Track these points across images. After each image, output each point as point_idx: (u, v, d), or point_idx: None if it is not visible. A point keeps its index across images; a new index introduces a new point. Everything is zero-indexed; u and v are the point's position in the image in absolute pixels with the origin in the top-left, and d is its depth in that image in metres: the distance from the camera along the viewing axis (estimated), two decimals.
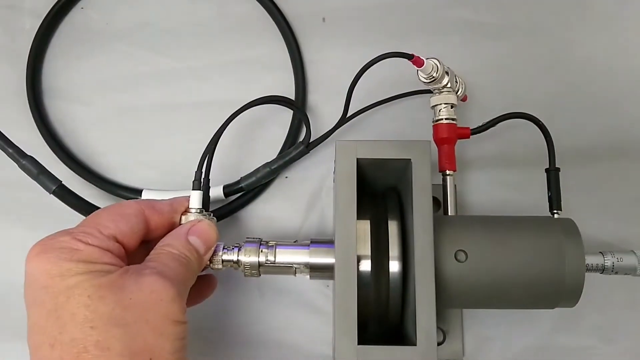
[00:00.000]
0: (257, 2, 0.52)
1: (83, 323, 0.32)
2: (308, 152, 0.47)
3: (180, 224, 0.41)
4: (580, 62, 0.51)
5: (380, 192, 0.43)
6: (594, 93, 0.51)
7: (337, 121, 0.46)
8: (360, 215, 0.39)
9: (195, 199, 0.41)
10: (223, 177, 0.49)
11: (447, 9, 0.53)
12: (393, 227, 0.40)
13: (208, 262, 0.40)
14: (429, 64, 0.41)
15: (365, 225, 0.40)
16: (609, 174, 0.49)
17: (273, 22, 0.52)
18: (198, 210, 0.41)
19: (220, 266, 0.41)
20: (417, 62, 0.40)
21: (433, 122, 0.44)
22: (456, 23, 0.52)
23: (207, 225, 0.40)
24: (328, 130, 0.46)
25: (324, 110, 0.51)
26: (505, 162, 0.49)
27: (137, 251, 0.38)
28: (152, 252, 0.38)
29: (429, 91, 0.44)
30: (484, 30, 0.52)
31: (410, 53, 0.39)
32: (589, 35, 0.52)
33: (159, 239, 0.39)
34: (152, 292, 0.34)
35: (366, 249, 0.39)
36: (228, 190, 0.48)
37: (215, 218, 0.42)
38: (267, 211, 0.50)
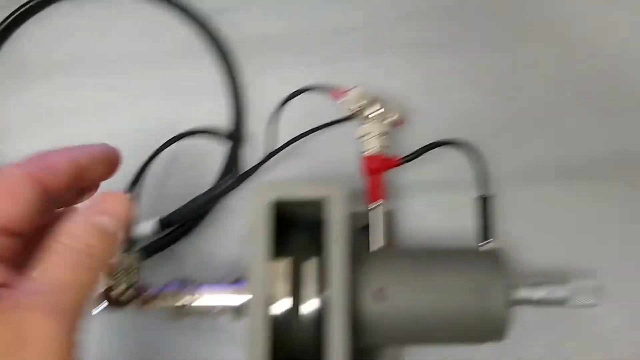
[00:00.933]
0: (193, 28, 0.51)
1: None
2: (238, 185, 0.46)
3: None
4: (524, 82, 0.50)
5: (307, 226, 0.43)
6: (538, 115, 0.49)
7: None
8: (279, 253, 0.38)
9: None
10: (170, 207, 0.47)
11: (389, 30, 0.51)
12: (312, 266, 0.39)
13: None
14: (352, 95, 0.40)
15: (285, 264, 0.39)
16: (553, 197, 0.48)
17: (210, 47, 0.51)
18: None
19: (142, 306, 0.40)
20: (335, 95, 0.39)
21: (361, 152, 0.43)
22: (399, 44, 0.51)
23: (115, 198, 0.31)
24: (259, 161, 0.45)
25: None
26: (443, 187, 0.48)
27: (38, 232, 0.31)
28: (44, 249, 0.29)
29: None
30: (427, 50, 0.51)
31: (330, 86, 0.39)
32: (534, 55, 0.51)
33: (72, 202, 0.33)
34: (21, 333, 0.26)
35: (283, 289, 0.38)
36: (164, 222, 0.47)
37: (137, 254, 0.41)
38: (204, 243, 0.49)
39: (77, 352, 0.27)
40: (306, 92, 0.44)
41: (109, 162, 0.36)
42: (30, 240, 0.30)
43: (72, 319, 0.27)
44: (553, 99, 0.50)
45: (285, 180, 0.39)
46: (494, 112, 0.50)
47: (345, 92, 0.39)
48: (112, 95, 0.52)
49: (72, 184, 0.32)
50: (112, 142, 0.49)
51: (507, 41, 0.51)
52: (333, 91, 0.39)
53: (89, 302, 0.29)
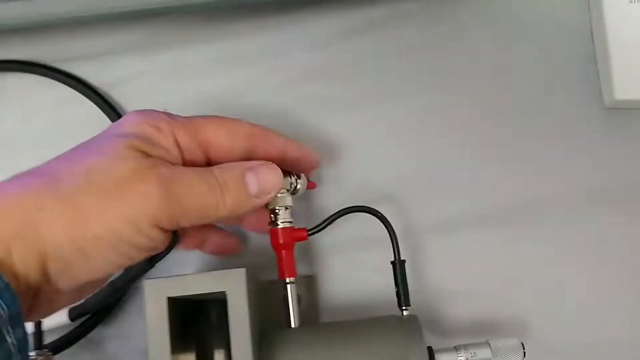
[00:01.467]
0: (92, 103, 0.49)
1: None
2: (153, 267, 0.44)
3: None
4: (437, 127, 0.49)
5: (220, 307, 0.41)
6: (454, 162, 0.48)
7: None
8: (185, 346, 0.37)
9: None
10: None
11: (292, 87, 0.50)
12: (220, 357, 0.38)
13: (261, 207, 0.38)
14: None
15: (190, 357, 0.38)
16: (476, 245, 0.47)
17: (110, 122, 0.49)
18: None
19: None
20: None
21: (269, 226, 0.41)
22: (306, 99, 0.50)
23: (271, 171, 0.37)
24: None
25: None
26: (362, 245, 0.47)
27: None
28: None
29: None
30: (334, 105, 0.49)
31: None
32: (444, 100, 0.49)
33: None
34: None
35: None
36: (73, 314, 0.45)
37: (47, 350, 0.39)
38: (121, 329, 0.47)
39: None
40: None
41: (311, 164, 0.43)
42: None
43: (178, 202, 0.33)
44: (468, 145, 0.49)
45: (180, 275, 0.37)
46: (409, 161, 0.48)
47: None
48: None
49: (275, 159, 0.38)
50: None
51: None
52: None
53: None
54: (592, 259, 0.46)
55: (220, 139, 0.37)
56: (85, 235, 0.31)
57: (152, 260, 0.43)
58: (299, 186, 0.42)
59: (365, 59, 0.50)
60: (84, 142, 0.35)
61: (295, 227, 0.41)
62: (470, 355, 0.39)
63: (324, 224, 0.42)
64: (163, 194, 0.32)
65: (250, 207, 0.36)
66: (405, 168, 0.48)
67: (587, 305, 0.46)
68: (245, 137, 0.38)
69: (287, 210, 0.41)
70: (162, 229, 0.33)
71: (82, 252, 0.31)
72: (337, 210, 0.42)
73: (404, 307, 0.41)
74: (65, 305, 0.36)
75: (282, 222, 0.41)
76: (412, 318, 0.40)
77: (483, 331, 0.45)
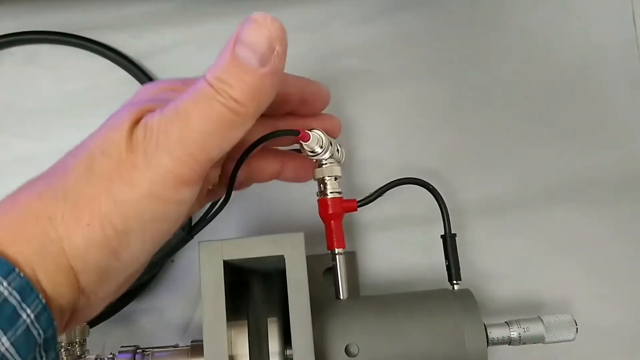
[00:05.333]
0: (126, 72, 0.48)
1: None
2: (192, 238, 0.43)
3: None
4: (479, 105, 0.48)
5: (265, 281, 0.40)
6: (498, 142, 0.48)
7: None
8: (236, 316, 0.35)
9: None
10: None
11: (332, 62, 0.49)
12: (273, 326, 0.37)
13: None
14: (313, 137, 0.37)
15: (243, 327, 0.37)
16: (516, 226, 0.47)
17: None
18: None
19: None
20: (304, 137, 0.37)
21: (317, 196, 0.40)
22: (344, 73, 0.49)
23: (256, 24, 0.27)
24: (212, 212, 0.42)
25: None
26: (405, 222, 0.46)
27: None
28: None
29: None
30: (375, 80, 0.49)
31: (297, 129, 0.36)
32: (486, 79, 0.49)
33: None
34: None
35: (243, 351, 0.36)
36: None
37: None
38: (156, 305, 0.46)
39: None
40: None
41: (323, 99, 0.37)
42: None
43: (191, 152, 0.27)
44: (511, 124, 0.48)
45: (236, 237, 0.36)
46: (452, 140, 0.48)
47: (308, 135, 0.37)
48: (41, 148, 0.48)
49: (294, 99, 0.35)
50: None
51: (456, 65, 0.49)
52: (303, 133, 0.36)
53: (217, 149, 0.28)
54: (636, 238, 0.46)
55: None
56: (103, 233, 0.27)
57: (191, 231, 0.42)
58: (342, 154, 0.41)
59: (407, 35, 0.49)
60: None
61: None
62: (523, 330, 0.38)
63: (374, 195, 0.41)
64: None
65: (269, 84, 0.28)
66: (446, 147, 0.48)
67: (632, 287, 0.45)
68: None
69: (336, 181, 0.40)
70: (189, 184, 0.28)
71: (108, 253, 0.27)
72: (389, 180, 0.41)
73: (455, 282, 0.40)
74: (107, 304, 0.31)
75: (331, 192, 0.40)
76: (467, 292, 0.39)
77: (525, 312, 0.45)
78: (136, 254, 0.28)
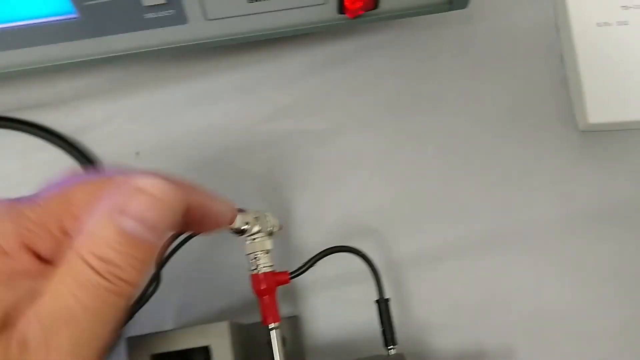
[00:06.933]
0: (59, 149, 0.48)
1: None
2: (131, 319, 0.43)
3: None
4: (414, 155, 0.49)
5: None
6: (432, 191, 0.48)
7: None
8: None
9: None
10: None
11: (264, 124, 0.49)
12: None
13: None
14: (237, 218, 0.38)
15: None
16: (456, 275, 0.47)
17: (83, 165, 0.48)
18: None
19: None
20: None
21: (249, 271, 0.40)
22: (279, 135, 0.49)
23: (151, 195, 0.24)
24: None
25: None
26: (344, 281, 0.46)
27: None
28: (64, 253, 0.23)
29: None
30: (309, 139, 0.49)
31: None
32: (419, 128, 0.49)
33: None
34: None
35: None
36: None
37: None
38: None
39: None
40: None
41: (229, 219, 0.35)
42: None
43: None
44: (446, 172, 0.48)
45: (162, 332, 0.36)
46: (387, 192, 0.48)
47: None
48: None
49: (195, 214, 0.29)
50: None
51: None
52: None
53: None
54: (575, 282, 0.46)
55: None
56: None
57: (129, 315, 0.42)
58: (275, 228, 0.41)
59: (337, 91, 0.50)
60: None
61: (277, 271, 0.40)
62: None
63: (306, 266, 0.41)
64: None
65: (158, 252, 0.25)
66: (383, 199, 0.48)
67: (573, 329, 0.46)
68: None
69: (268, 254, 0.40)
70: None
71: None
72: (319, 251, 0.41)
73: (390, 347, 0.40)
74: None
75: (263, 267, 0.40)
76: (399, 357, 0.39)
77: None
78: None
